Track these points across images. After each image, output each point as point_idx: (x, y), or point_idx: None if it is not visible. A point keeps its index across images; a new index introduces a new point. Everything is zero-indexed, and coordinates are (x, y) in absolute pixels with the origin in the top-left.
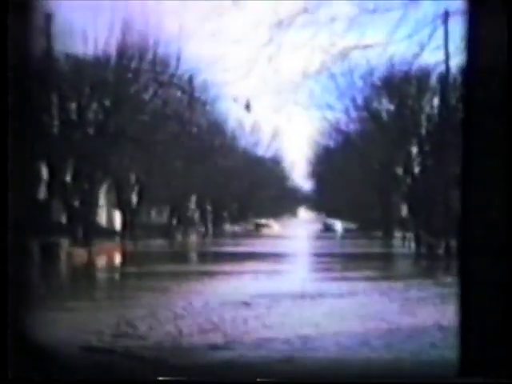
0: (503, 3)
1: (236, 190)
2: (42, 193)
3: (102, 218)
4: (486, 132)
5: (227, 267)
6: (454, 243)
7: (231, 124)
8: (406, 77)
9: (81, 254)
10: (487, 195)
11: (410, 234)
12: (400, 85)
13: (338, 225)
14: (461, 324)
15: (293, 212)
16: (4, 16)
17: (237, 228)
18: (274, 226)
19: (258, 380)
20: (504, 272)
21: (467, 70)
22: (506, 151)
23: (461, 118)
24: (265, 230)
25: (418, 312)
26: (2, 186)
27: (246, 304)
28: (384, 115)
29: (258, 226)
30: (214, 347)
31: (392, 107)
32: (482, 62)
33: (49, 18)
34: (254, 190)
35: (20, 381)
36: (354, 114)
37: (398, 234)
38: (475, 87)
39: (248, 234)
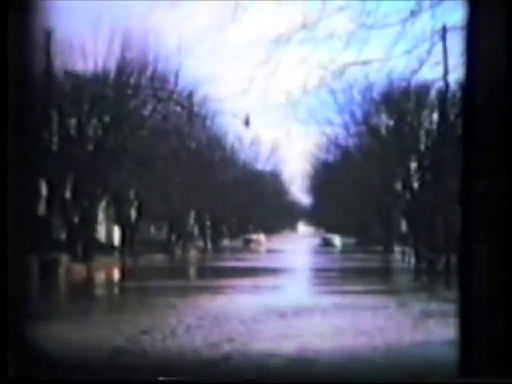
0: (503, 15)
1: (235, 204)
2: (42, 209)
3: (101, 234)
4: (486, 145)
5: (226, 282)
6: (454, 258)
7: (230, 139)
8: (405, 92)
9: (80, 270)
10: (487, 209)
11: (409, 249)
12: (399, 100)
13: (337, 239)
14: (461, 324)
15: (292, 227)
16: (4, 31)
17: (236, 243)
18: (263, 241)
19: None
20: (504, 276)
21: (467, 82)
22: (506, 164)
23: (460, 132)
24: (254, 246)
25: (418, 326)
26: (1, 201)
27: (246, 318)
28: (383, 130)
29: (247, 242)
30: (215, 361)
31: (391, 123)
32: (481, 74)
33: (48, 34)
34: (253, 204)
35: (20, 381)
36: (353, 129)
37: (397, 249)
38: (475, 100)
39: (247, 249)
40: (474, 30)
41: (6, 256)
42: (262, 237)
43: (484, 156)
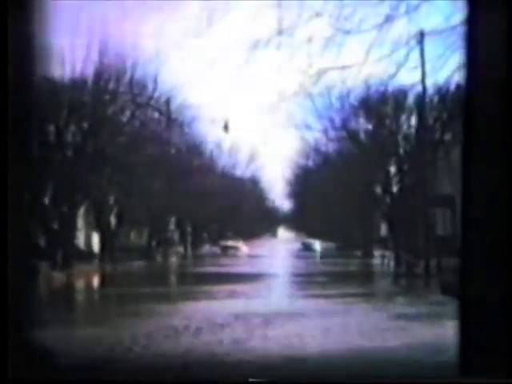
0: (503, 14)
1: (215, 210)
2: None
3: (80, 241)
4: (486, 146)
5: (207, 288)
6: (433, 262)
7: (209, 145)
8: (383, 97)
9: (60, 277)
10: (487, 209)
11: (389, 253)
12: (377, 105)
13: (317, 244)
14: (461, 324)
15: (272, 232)
16: (4, 32)
17: (217, 249)
18: (243, 248)
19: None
20: (505, 270)
21: (467, 81)
22: (506, 166)
23: (440, 135)
24: (232, 252)
25: (399, 329)
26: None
27: (227, 324)
28: (362, 135)
29: (225, 248)
30: (196, 368)
31: (370, 127)
32: (481, 74)
33: (27, 39)
34: (233, 210)
35: (20, 381)
36: (332, 134)
37: (377, 253)
38: (475, 100)
39: (228, 255)
40: (473, 29)
41: (6, 258)
42: (240, 244)
43: (484, 156)
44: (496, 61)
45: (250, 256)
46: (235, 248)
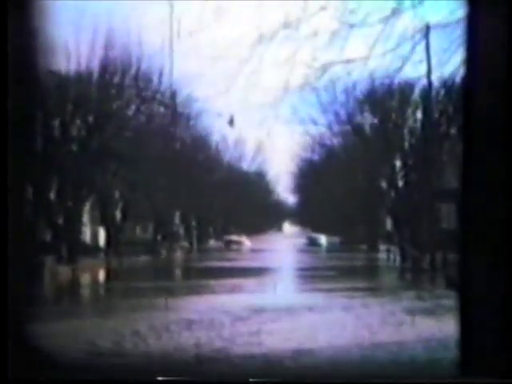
0: (503, 12)
1: (220, 204)
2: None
3: (86, 235)
4: (486, 145)
5: (212, 282)
6: (438, 257)
7: (215, 139)
8: (389, 90)
9: (66, 271)
10: (487, 208)
11: (394, 248)
12: (383, 99)
13: (323, 239)
14: (461, 324)
15: (278, 226)
16: (4, 31)
17: (221, 243)
18: (246, 242)
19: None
20: (505, 269)
21: (467, 79)
22: (506, 162)
23: (445, 129)
24: (236, 247)
25: (404, 324)
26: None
27: (233, 318)
28: (367, 129)
29: (229, 243)
30: (200, 362)
31: (375, 121)
32: (481, 72)
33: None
34: (239, 204)
35: (20, 381)
36: (337, 128)
37: (383, 248)
38: (475, 97)
39: (233, 249)
40: (473, 27)
41: (6, 256)
42: (243, 238)
43: (484, 155)
44: (496, 59)
45: (256, 250)
46: (238, 242)
